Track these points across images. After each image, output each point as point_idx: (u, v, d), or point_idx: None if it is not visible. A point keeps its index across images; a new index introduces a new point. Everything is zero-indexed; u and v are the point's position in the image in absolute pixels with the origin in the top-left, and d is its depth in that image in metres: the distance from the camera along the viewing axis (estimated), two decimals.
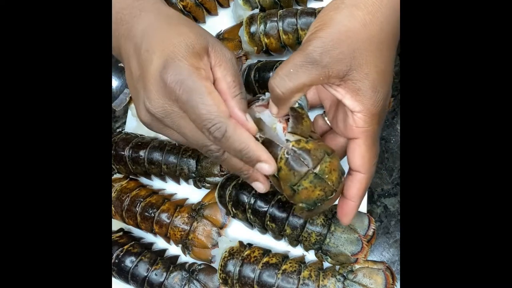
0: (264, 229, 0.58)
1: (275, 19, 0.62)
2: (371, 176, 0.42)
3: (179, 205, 0.64)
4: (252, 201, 0.57)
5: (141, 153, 0.64)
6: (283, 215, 0.55)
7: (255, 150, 0.39)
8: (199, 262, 0.62)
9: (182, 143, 0.44)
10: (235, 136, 0.39)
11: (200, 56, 0.40)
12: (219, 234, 0.61)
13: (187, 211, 0.62)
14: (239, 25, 0.67)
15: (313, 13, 0.61)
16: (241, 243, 0.59)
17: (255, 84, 0.62)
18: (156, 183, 0.69)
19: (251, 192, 0.57)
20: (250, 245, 0.59)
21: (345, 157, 0.44)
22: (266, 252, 0.57)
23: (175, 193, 0.67)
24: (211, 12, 0.72)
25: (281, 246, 0.60)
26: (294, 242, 0.57)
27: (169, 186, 0.68)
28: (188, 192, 0.66)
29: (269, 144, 0.41)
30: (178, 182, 0.65)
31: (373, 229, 0.55)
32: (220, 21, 0.72)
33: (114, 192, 0.65)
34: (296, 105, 0.42)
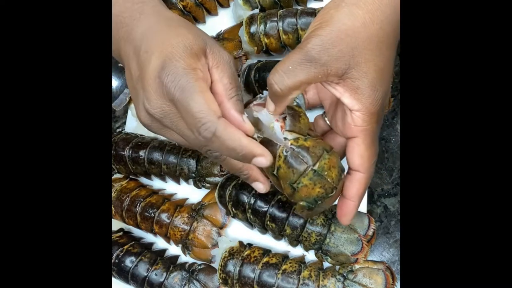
0: (264, 229, 0.58)
1: (275, 19, 0.62)
2: (371, 176, 0.42)
3: (179, 205, 0.64)
4: (252, 201, 0.57)
5: (141, 153, 0.64)
6: (283, 215, 0.55)
7: (248, 146, 0.39)
8: (199, 262, 0.62)
9: (182, 144, 0.44)
10: (225, 135, 0.38)
11: (198, 57, 0.40)
12: (219, 234, 0.61)
13: (187, 211, 0.62)
14: (239, 25, 0.67)
15: (313, 13, 0.61)
16: (241, 243, 0.59)
17: (255, 84, 0.62)
18: (156, 183, 0.69)
19: (251, 192, 0.57)
20: (250, 245, 0.59)
21: (345, 158, 0.44)
22: (266, 252, 0.57)
23: (175, 193, 0.67)
24: (211, 12, 0.72)
25: (281, 246, 0.60)
26: (294, 242, 0.57)
27: (169, 186, 0.68)
28: (188, 192, 0.66)
29: (267, 143, 0.41)
30: (178, 182, 0.65)
31: (373, 229, 0.55)
32: (220, 21, 0.72)
33: (114, 192, 0.65)
34: (294, 103, 0.42)
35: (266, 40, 0.63)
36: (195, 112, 0.38)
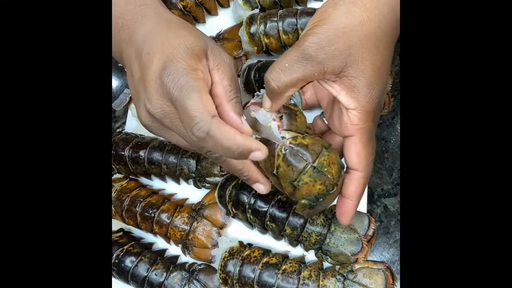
0: (264, 229, 0.58)
1: (275, 19, 0.62)
2: (369, 174, 0.43)
3: (179, 205, 0.64)
4: (252, 201, 0.57)
5: (141, 153, 0.64)
6: (283, 215, 0.55)
7: (244, 143, 0.38)
8: (199, 262, 0.62)
9: (183, 146, 0.44)
10: (219, 135, 0.37)
11: (199, 58, 0.40)
12: (219, 234, 0.61)
13: (187, 211, 0.62)
14: (239, 25, 0.67)
15: (313, 13, 0.61)
16: (241, 243, 0.59)
17: (255, 84, 0.62)
18: (156, 183, 0.69)
19: (251, 192, 0.57)
20: (250, 245, 0.59)
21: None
22: (266, 252, 0.57)
23: (175, 193, 0.67)
24: (211, 12, 0.72)
25: (281, 246, 0.60)
26: (294, 242, 0.57)
27: (169, 186, 0.68)
28: (188, 192, 0.66)
29: (265, 143, 0.41)
30: (178, 182, 0.65)
31: (373, 229, 0.55)
32: (220, 21, 0.72)
33: (114, 192, 0.65)
34: (290, 102, 0.42)
35: (266, 40, 0.63)
36: (189, 110, 0.38)
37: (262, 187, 0.45)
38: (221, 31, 0.70)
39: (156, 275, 0.59)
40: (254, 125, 0.43)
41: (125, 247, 0.62)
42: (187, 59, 0.39)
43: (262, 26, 0.62)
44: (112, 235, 0.65)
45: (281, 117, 0.42)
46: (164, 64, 0.39)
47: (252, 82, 0.63)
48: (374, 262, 0.54)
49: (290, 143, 0.40)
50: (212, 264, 0.61)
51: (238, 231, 0.63)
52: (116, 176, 0.69)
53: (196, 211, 0.62)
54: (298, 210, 0.43)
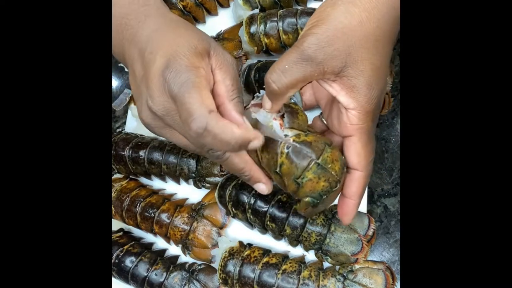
0: (264, 229, 0.58)
1: (275, 19, 0.62)
2: (369, 174, 0.43)
3: (179, 205, 0.64)
4: (252, 201, 0.57)
5: (141, 153, 0.64)
6: (283, 215, 0.55)
7: (241, 135, 0.38)
8: (199, 262, 0.62)
9: (183, 145, 0.44)
10: (217, 130, 0.37)
11: (202, 56, 0.41)
12: (219, 234, 0.61)
13: (187, 211, 0.62)
14: (239, 25, 0.67)
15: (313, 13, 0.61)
16: (241, 243, 0.59)
17: (255, 84, 0.62)
18: (156, 183, 0.69)
19: (251, 192, 0.57)
20: (250, 245, 0.59)
21: None
22: (266, 252, 0.57)
23: (175, 193, 0.67)
24: (211, 12, 0.72)
25: (281, 246, 0.60)
26: (294, 242, 0.57)
27: (169, 186, 0.68)
28: (188, 192, 0.66)
29: (268, 141, 0.41)
30: (178, 182, 0.65)
31: (373, 229, 0.55)
32: (220, 21, 0.72)
33: (114, 192, 0.65)
34: (291, 101, 0.42)
35: (266, 40, 0.63)
36: (187, 105, 0.37)
37: (263, 187, 0.45)
38: (221, 31, 0.70)
39: (156, 275, 0.59)
40: (255, 125, 0.43)
41: (125, 247, 0.62)
42: (190, 57, 0.39)
43: (262, 26, 0.62)
44: (112, 235, 0.65)
45: (282, 116, 0.42)
46: (167, 62, 0.39)
47: (252, 82, 0.63)
48: (374, 262, 0.54)
49: (293, 140, 0.40)
50: (212, 264, 0.61)
51: (238, 231, 0.63)
52: (116, 176, 0.69)
53: (196, 211, 0.62)
54: (301, 208, 0.43)
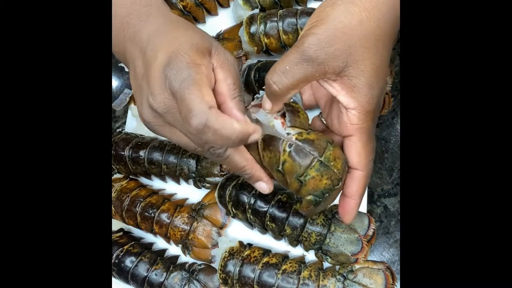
0: (264, 229, 0.58)
1: (275, 19, 0.62)
2: (369, 173, 0.43)
3: (179, 205, 0.64)
4: (252, 201, 0.57)
5: (141, 153, 0.64)
6: (283, 215, 0.55)
7: (242, 129, 0.38)
8: (199, 262, 0.62)
9: (184, 144, 0.44)
10: (217, 125, 0.37)
11: (203, 54, 0.41)
12: (219, 234, 0.61)
13: (187, 211, 0.62)
14: (239, 25, 0.67)
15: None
16: (241, 243, 0.59)
17: (255, 84, 0.62)
18: (156, 183, 0.69)
19: (251, 192, 0.57)
20: (250, 245, 0.59)
21: None
22: (266, 252, 0.57)
23: (175, 193, 0.67)
24: (211, 12, 0.72)
25: (281, 246, 0.60)
26: (294, 242, 0.57)
27: (169, 186, 0.68)
28: (188, 192, 0.66)
29: (270, 139, 0.41)
30: (178, 182, 0.65)
31: (373, 229, 0.55)
32: (220, 21, 0.72)
33: (114, 192, 0.65)
34: (291, 100, 0.42)
35: (266, 40, 0.63)
36: (187, 101, 0.37)
37: (264, 186, 0.45)
38: (221, 31, 0.70)
39: (156, 275, 0.59)
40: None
41: (125, 247, 0.62)
42: (191, 54, 0.39)
43: (262, 26, 0.62)
44: (112, 235, 0.65)
45: (282, 115, 0.42)
46: (169, 59, 0.39)
47: (252, 82, 0.63)
48: (374, 262, 0.54)
49: (296, 138, 0.40)
50: (212, 264, 0.61)
51: (238, 231, 0.63)
52: (116, 176, 0.69)
53: (196, 211, 0.62)
54: (303, 207, 0.43)
